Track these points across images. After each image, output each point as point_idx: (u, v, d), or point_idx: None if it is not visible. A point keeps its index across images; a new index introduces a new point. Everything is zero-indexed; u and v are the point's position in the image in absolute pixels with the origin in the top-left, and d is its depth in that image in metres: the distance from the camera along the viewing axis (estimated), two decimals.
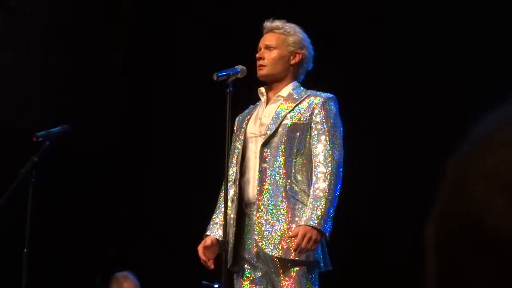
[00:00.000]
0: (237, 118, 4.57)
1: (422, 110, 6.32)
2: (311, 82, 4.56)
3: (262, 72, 4.44)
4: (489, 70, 5.94)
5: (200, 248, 4.37)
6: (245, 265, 4.31)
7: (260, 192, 4.25)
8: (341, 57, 6.47)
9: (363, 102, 6.56)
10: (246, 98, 4.66)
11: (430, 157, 6.28)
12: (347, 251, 5.89)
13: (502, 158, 0.72)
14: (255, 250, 4.25)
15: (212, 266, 4.33)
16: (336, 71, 6.31)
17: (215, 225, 4.41)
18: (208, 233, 4.41)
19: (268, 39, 4.48)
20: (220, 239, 4.34)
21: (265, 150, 4.30)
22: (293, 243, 4.12)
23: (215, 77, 4.33)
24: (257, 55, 4.46)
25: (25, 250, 4.87)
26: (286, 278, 4.17)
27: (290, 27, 4.50)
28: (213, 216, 4.47)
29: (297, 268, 4.18)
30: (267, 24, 4.52)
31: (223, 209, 4.35)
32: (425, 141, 6.24)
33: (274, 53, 4.44)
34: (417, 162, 6.24)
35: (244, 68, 4.46)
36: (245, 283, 4.32)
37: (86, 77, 7.80)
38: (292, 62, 4.46)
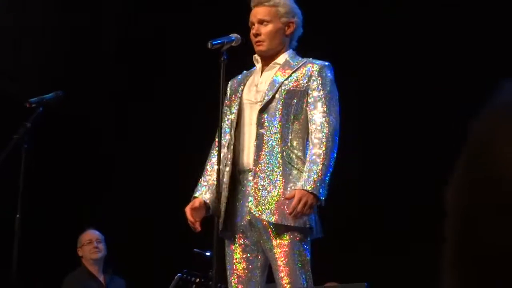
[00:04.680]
0: (229, 83, 4.56)
1: (429, 74, 6.34)
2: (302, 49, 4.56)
3: (261, 48, 4.42)
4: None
5: (187, 209, 4.36)
6: (237, 233, 4.30)
7: (258, 158, 4.25)
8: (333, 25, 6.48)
9: (366, 68, 6.57)
10: (240, 66, 4.65)
11: (428, 128, 6.36)
12: (339, 218, 5.92)
13: None
14: (247, 217, 4.25)
15: (199, 228, 4.31)
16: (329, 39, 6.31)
17: (203, 188, 4.40)
18: (196, 194, 4.41)
19: (260, 13, 4.44)
20: (208, 201, 4.35)
21: (262, 116, 4.30)
22: (288, 208, 4.12)
23: (209, 45, 4.33)
24: (253, 32, 4.44)
25: (18, 215, 4.88)
26: (279, 246, 4.16)
27: None
28: (201, 179, 4.46)
29: (291, 235, 4.17)
30: None
31: (211, 173, 4.36)
32: (428, 111, 6.27)
33: (269, 27, 4.42)
34: (413, 131, 6.27)
35: (239, 36, 4.45)
36: (236, 250, 4.31)
37: (80, 47, 7.78)
38: (287, 32, 4.45)
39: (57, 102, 5.11)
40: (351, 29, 6.75)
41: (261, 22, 4.43)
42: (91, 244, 6.67)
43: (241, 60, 4.55)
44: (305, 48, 4.53)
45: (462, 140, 0.77)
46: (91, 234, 6.73)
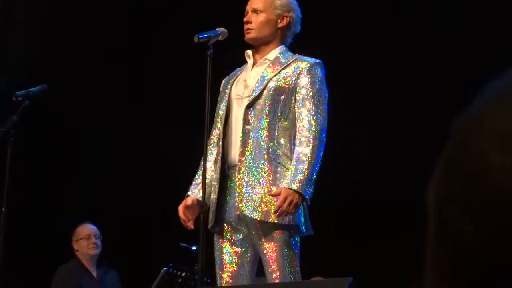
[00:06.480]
0: (223, 80, 4.57)
1: (422, 76, 6.35)
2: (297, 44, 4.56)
3: (249, 36, 4.42)
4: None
5: (180, 207, 4.35)
6: (226, 227, 4.31)
7: (243, 154, 4.24)
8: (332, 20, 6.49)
9: (359, 66, 6.57)
10: (230, 61, 4.65)
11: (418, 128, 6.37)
12: (330, 216, 5.93)
13: (508, 115, 0.72)
14: (236, 212, 4.25)
15: (192, 227, 4.33)
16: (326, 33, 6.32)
17: (196, 185, 4.40)
18: (189, 193, 4.41)
19: (255, 2, 4.46)
20: (201, 199, 4.34)
21: (249, 112, 4.29)
22: (273, 205, 4.12)
23: (196, 39, 4.34)
24: (245, 19, 4.44)
25: (3, 209, 4.88)
26: (268, 241, 4.17)
27: None
28: (195, 177, 4.47)
29: (278, 232, 4.17)
30: None
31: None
32: (418, 109, 6.28)
33: (261, 17, 4.41)
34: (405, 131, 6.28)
35: (225, 30, 4.45)
36: (225, 245, 4.31)
37: (66, 40, 7.77)
38: (280, 25, 4.43)
39: (43, 96, 5.11)
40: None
41: (254, 10, 4.43)
42: (89, 239, 6.64)
43: (233, 56, 4.56)
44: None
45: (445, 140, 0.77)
46: (90, 229, 6.69)
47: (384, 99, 6.58)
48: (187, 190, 4.44)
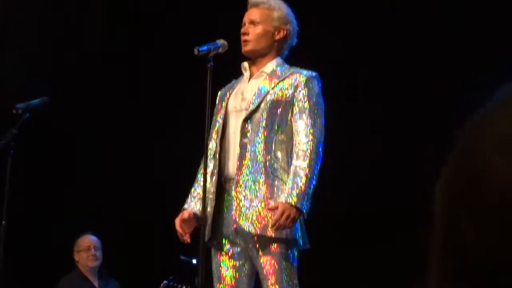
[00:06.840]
0: (219, 92, 4.56)
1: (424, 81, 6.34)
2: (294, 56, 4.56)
3: (246, 48, 4.42)
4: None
5: (177, 221, 4.36)
6: (224, 241, 4.31)
7: (240, 167, 4.25)
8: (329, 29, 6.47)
9: (357, 70, 6.56)
10: (229, 73, 4.65)
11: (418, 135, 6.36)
12: (327, 229, 5.93)
13: (508, 120, 0.74)
14: (234, 226, 4.25)
15: (188, 240, 4.33)
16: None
17: (193, 199, 4.41)
18: (185, 206, 4.41)
19: (252, 14, 4.46)
20: (197, 213, 4.34)
21: (246, 125, 4.30)
22: (270, 219, 4.13)
23: (196, 52, 4.33)
24: (242, 31, 4.45)
25: (3, 222, 4.88)
26: (265, 255, 4.18)
27: (275, 2, 4.48)
28: (192, 190, 4.47)
29: (276, 245, 4.18)
30: None
31: (202, 183, 4.35)
32: (421, 117, 6.27)
33: (258, 29, 4.42)
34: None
35: (225, 42, 4.45)
36: (223, 258, 4.32)
37: (66, 40, 7.76)
38: (277, 37, 4.43)
39: (43, 108, 5.10)
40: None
41: (252, 22, 4.44)
42: (89, 251, 6.65)
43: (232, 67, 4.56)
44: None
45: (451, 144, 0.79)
46: (90, 240, 6.70)
47: (382, 104, 6.57)
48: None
